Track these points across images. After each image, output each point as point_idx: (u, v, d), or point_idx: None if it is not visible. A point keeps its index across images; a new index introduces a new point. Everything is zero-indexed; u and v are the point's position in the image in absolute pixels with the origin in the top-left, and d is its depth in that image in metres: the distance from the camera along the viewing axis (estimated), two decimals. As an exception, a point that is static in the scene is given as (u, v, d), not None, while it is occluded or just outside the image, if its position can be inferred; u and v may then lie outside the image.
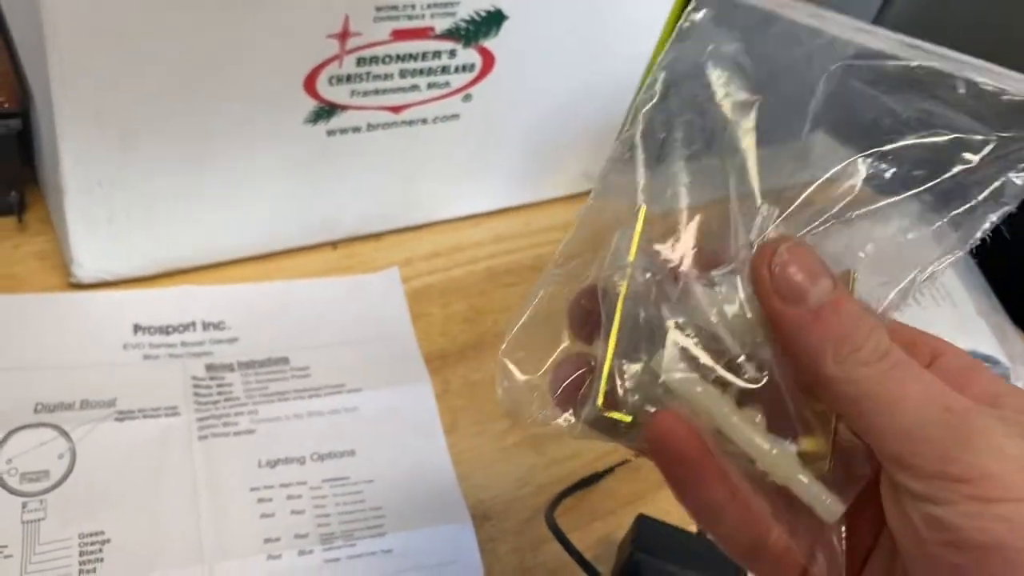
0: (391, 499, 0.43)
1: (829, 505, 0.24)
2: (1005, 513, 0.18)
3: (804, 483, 0.24)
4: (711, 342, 0.26)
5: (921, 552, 0.20)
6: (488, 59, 0.50)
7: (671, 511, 0.39)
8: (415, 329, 0.51)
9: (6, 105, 0.44)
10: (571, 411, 0.28)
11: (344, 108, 0.47)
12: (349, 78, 0.46)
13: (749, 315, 0.26)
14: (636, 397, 0.26)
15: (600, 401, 0.26)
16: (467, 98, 0.51)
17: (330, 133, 0.48)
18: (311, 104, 0.46)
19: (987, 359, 0.44)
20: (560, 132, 0.58)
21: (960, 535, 0.19)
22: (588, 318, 0.28)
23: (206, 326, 0.48)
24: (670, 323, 0.26)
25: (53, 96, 0.39)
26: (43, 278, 0.47)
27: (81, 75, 0.39)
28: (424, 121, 0.51)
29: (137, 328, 0.46)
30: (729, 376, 0.25)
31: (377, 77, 0.47)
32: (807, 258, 0.24)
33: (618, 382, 0.26)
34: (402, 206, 0.55)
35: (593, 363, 0.27)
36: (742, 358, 0.26)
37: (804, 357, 0.23)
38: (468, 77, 0.50)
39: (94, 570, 0.37)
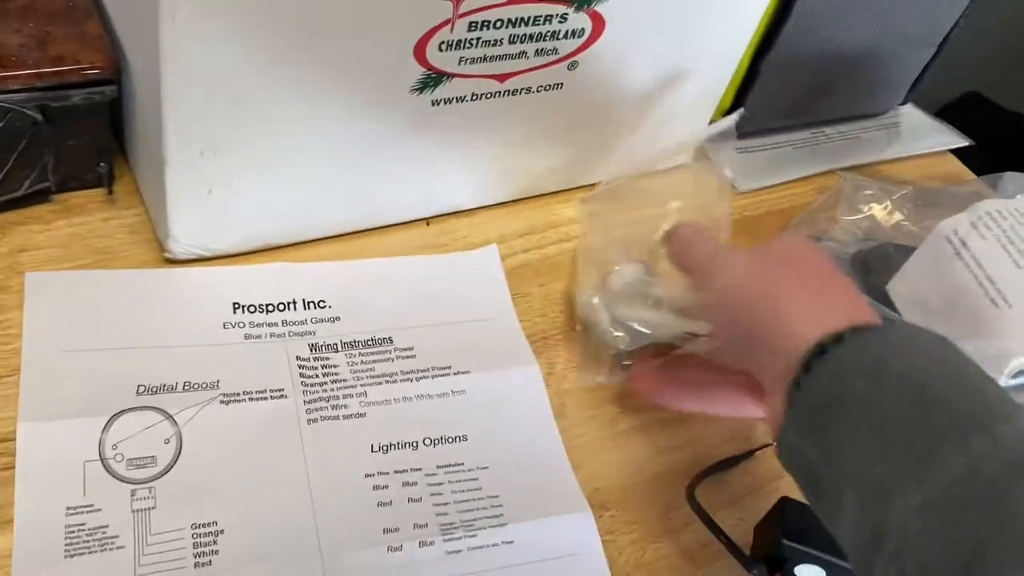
0: (508, 487, 0.41)
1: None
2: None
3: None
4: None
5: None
6: (599, 24, 0.47)
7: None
8: (517, 310, 0.49)
9: (101, 71, 0.42)
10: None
11: (451, 76, 0.45)
12: (459, 44, 0.43)
13: None
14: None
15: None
16: (572, 66, 0.48)
17: (434, 103, 0.46)
18: (419, 72, 0.44)
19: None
20: (660, 104, 0.55)
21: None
22: None
23: (307, 305, 0.46)
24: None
25: (161, 60, 0.37)
26: (136, 253, 0.45)
27: (192, 38, 0.37)
28: (528, 91, 0.48)
29: (236, 306, 0.44)
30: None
31: (486, 43, 0.44)
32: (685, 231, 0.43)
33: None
34: (498, 181, 0.53)
35: None
36: None
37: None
38: (576, 43, 0.47)
39: (210, 562, 0.36)
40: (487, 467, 0.41)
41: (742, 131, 0.63)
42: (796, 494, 0.40)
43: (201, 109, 0.39)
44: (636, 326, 0.46)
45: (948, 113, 1.22)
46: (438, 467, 0.41)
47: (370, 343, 0.45)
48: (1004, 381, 0.42)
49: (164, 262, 0.45)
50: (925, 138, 0.70)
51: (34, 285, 0.42)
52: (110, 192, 0.47)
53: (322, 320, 0.45)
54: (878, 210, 0.56)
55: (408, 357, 0.45)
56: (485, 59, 0.45)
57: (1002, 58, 1.17)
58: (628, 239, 0.53)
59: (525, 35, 0.45)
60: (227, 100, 0.40)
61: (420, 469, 0.41)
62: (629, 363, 0.47)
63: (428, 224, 0.52)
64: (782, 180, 0.62)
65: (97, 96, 0.43)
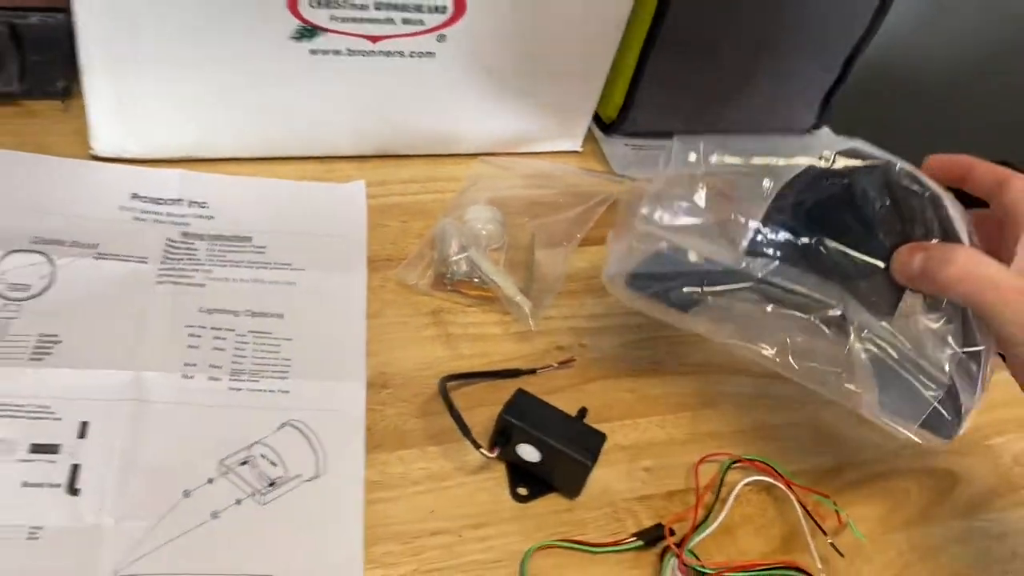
0: (301, 355, 0.50)
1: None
2: None
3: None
4: None
5: None
6: (460, 3, 0.56)
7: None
8: (372, 236, 0.58)
9: (54, 0, 0.55)
10: None
11: (324, 31, 0.55)
12: (328, 3, 0.54)
13: None
14: None
15: None
16: (441, 38, 0.58)
17: (313, 52, 0.56)
18: (294, 23, 0.54)
19: None
20: (539, 87, 0.63)
21: None
22: None
23: (191, 204, 0.56)
24: None
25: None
26: (72, 149, 0.57)
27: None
28: (401, 54, 0.58)
29: (135, 196, 0.56)
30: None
31: (354, 6, 0.55)
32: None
33: None
34: (384, 134, 0.63)
35: None
36: None
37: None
38: (441, 18, 0.57)
39: (41, 359, 0.46)
40: (291, 339, 0.51)
41: (636, 129, 0.71)
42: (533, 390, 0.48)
43: (108, 30, 0.51)
44: (475, 261, 0.56)
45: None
46: (249, 331, 0.50)
47: (232, 239, 0.55)
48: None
49: (91, 158, 0.57)
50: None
51: (-18, 157, 0.54)
52: (63, 103, 0.59)
53: (199, 217, 0.56)
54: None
55: (259, 252, 0.55)
56: (355, 20, 0.55)
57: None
58: (502, 200, 0.62)
59: (389, 4, 0.55)
60: (128, 24, 0.51)
61: (233, 330, 0.50)
62: (450, 284, 0.55)
63: (321, 162, 0.62)
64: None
65: (51, 20, 0.55)
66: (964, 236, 0.42)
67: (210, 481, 0.44)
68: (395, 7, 0.55)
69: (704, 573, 0.45)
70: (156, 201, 0.56)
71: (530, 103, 0.65)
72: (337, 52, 0.57)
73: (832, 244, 0.43)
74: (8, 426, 0.43)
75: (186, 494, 0.43)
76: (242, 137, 0.59)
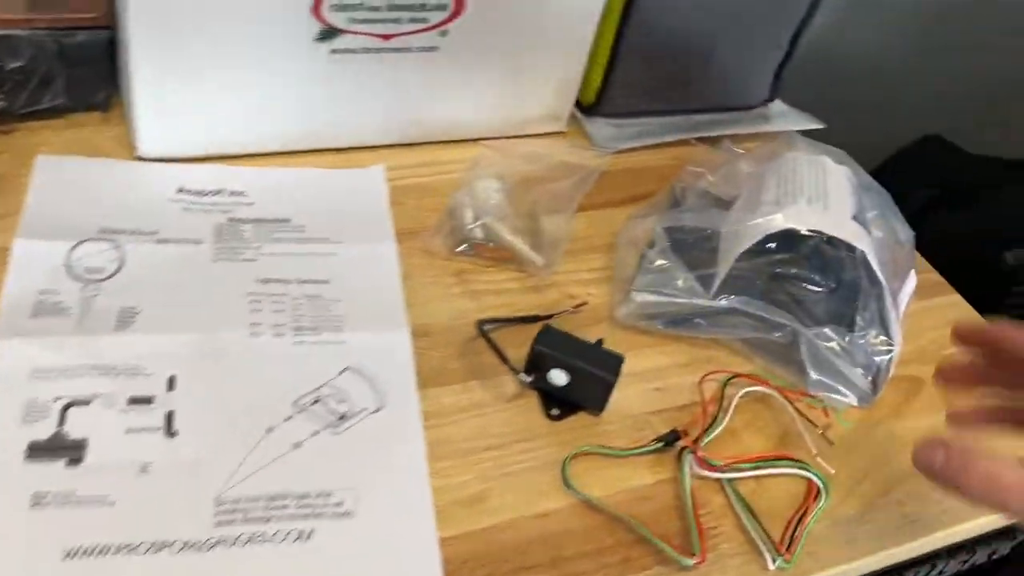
0: (351, 312, 0.57)
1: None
2: None
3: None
4: None
5: None
6: (459, 1, 0.64)
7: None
8: (394, 212, 0.65)
9: (98, 19, 0.61)
10: None
11: (343, 32, 0.62)
12: (346, 6, 0.61)
13: None
14: None
15: None
16: (443, 33, 0.66)
17: (333, 52, 0.63)
18: (317, 25, 0.61)
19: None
20: (528, 74, 0.71)
21: None
22: None
23: (232, 193, 0.63)
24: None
25: (130, 7, 0.56)
26: (117, 153, 0.64)
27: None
28: (409, 50, 0.66)
29: (181, 190, 0.62)
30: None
31: (368, 8, 0.62)
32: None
33: None
34: (397, 124, 0.70)
35: None
36: None
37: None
38: (443, 15, 0.65)
39: (125, 327, 0.52)
40: (340, 300, 0.57)
41: (613, 110, 0.79)
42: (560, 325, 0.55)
43: (157, 44, 0.58)
44: (489, 225, 0.63)
45: (907, 155, 1.35)
46: (304, 295, 0.57)
47: (273, 221, 0.62)
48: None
49: (136, 159, 0.63)
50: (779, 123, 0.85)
51: (42, 163, 0.61)
52: (105, 112, 0.66)
53: (240, 204, 0.63)
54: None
55: (299, 231, 0.62)
56: (369, 20, 0.63)
57: (964, 100, 1.28)
58: (503, 175, 0.69)
59: (398, 5, 0.63)
60: (175, 42, 0.58)
61: (287, 295, 0.57)
62: (469, 248, 0.63)
63: (339, 152, 0.69)
64: (639, 144, 0.77)
65: (96, 37, 0.62)
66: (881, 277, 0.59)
67: (288, 419, 0.50)
68: (403, 7, 0.63)
69: (716, 465, 0.53)
70: (199, 193, 0.62)
71: (521, 91, 0.72)
72: (354, 51, 0.64)
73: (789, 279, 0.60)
74: (108, 383, 0.50)
75: (269, 430, 0.50)
76: (272, 133, 0.66)
